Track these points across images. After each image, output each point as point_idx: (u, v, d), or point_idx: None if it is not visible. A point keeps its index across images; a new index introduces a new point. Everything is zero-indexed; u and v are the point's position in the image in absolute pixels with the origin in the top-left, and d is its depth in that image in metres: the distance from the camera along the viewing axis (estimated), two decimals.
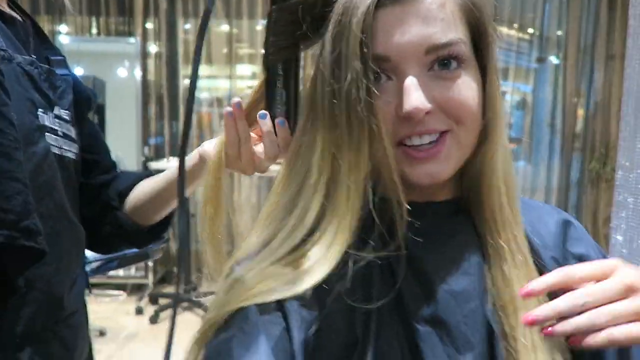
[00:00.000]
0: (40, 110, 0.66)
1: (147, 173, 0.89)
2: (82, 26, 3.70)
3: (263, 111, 0.57)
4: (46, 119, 0.67)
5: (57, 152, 0.69)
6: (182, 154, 0.43)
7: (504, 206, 0.50)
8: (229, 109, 0.58)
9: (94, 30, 3.70)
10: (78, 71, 3.56)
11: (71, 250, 0.73)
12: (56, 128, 0.70)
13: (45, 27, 3.66)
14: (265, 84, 0.56)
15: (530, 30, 3.80)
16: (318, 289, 0.45)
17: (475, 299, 0.48)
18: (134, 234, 0.85)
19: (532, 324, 0.39)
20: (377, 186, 0.48)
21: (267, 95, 0.56)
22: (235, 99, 0.60)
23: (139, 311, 3.27)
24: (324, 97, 0.47)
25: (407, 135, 0.47)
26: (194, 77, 0.43)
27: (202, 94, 3.84)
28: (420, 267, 0.49)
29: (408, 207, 0.47)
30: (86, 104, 0.84)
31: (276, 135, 0.56)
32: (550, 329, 0.39)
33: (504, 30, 3.71)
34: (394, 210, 0.47)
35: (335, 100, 0.46)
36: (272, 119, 0.56)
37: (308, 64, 0.55)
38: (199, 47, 0.42)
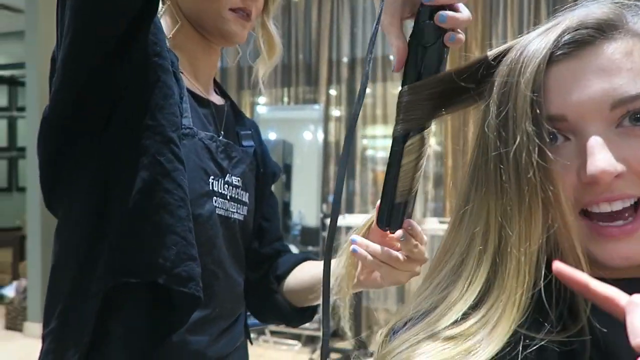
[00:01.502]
0: (211, 177, 0.77)
1: (306, 256, 0.95)
2: (276, 97, 4.21)
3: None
4: (215, 185, 0.78)
5: (222, 214, 0.79)
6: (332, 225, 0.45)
7: None
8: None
9: (285, 99, 4.17)
10: (271, 136, 4.04)
11: (224, 304, 0.80)
12: (225, 192, 0.80)
13: (247, 99, 4.29)
14: None
15: None
16: None
17: None
18: (288, 315, 0.92)
19: None
20: (554, 259, 0.43)
21: None
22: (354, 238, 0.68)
23: None
24: (489, 162, 0.45)
25: (593, 202, 0.41)
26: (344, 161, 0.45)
27: (378, 153, 3.98)
28: (608, 356, 0.41)
29: None
30: (271, 178, 0.96)
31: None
32: None
33: None
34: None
35: (502, 166, 0.43)
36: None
37: (470, 129, 0.53)
38: (351, 133, 0.45)
